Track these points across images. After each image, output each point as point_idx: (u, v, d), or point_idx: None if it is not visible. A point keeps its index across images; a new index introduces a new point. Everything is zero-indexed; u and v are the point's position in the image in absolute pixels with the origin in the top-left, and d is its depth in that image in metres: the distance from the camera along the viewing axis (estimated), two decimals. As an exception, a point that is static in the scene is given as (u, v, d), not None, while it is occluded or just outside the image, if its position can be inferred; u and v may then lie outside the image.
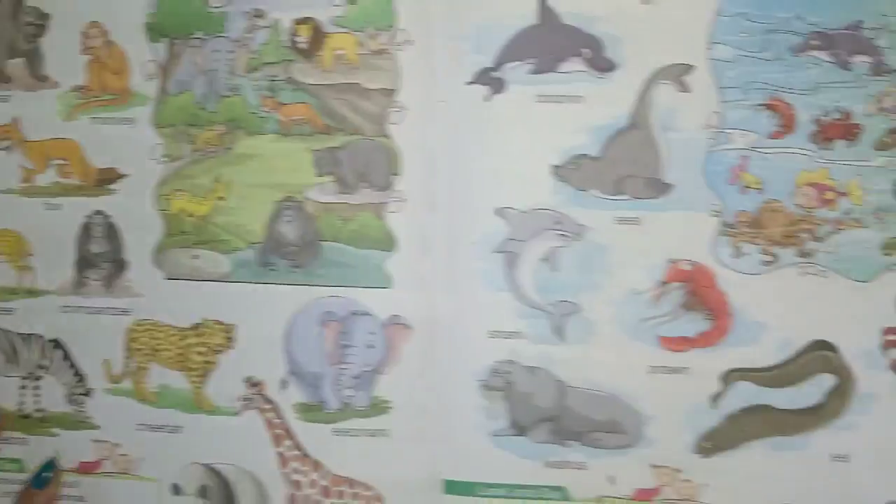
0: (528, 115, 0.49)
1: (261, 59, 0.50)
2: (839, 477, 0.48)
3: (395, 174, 0.50)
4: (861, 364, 0.48)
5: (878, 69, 0.47)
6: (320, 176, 0.50)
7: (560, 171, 0.49)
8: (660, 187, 0.49)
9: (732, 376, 0.48)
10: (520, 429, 0.50)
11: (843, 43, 0.47)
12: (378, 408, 0.51)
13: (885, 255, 0.48)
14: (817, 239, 0.48)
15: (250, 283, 0.51)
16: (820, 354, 0.48)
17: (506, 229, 0.49)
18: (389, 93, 0.49)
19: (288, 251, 0.50)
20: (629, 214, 0.49)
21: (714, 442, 0.49)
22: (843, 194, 0.48)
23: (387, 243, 0.50)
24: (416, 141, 0.50)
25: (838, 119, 0.48)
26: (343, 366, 0.50)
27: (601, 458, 0.50)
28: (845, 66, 0.47)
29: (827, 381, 0.48)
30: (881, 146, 0.48)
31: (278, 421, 0.51)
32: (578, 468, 0.50)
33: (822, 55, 0.47)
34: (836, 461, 0.48)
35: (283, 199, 0.50)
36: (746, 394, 0.49)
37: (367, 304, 0.50)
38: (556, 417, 0.50)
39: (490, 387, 0.50)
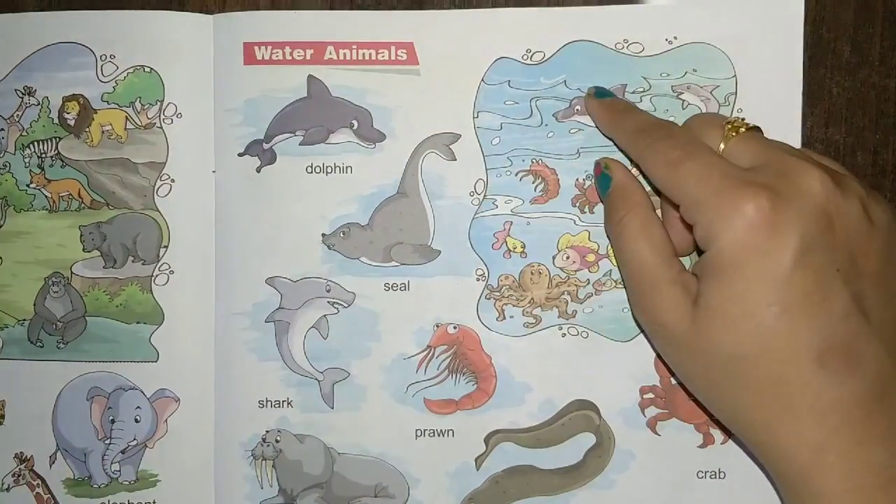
0: (298, 186, 0.50)
1: (30, 136, 0.50)
2: (598, 533, 0.49)
3: (164, 246, 0.50)
4: (620, 422, 0.49)
5: (642, 136, 0.49)
6: (87, 251, 0.50)
7: (329, 240, 0.50)
8: (427, 253, 0.50)
9: (496, 438, 0.49)
10: (288, 497, 0.50)
11: (606, 108, 0.49)
12: (146, 481, 0.50)
13: (642, 314, 0.49)
14: (578, 300, 0.49)
15: (19, 359, 0.50)
16: (581, 414, 0.49)
17: (276, 298, 0.50)
18: (158, 166, 0.50)
19: (55, 327, 0.50)
20: (398, 281, 0.50)
21: (478, 503, 0.49)
22: (604, 256, 0.49)
23: (154, 317, 0.50)
24: (185, 213, 0.50)
25: (601, 185, 0.49)
26: (110, 441, 0.50)
27: (368, 525, 0.50)
28: (607, 131, 0.49)
29: (587, 440, 0.49)
30: (637, 209, 0.49)
31: (47, 496, 0.50)
32: (345, 535, 0.50)
33: (585, 120, 0.49)
34: (596, 518, 0.49)
35: (50, 275, 0.50)
36: (509, 455, 0.49)
37: (134, 378, 0.50)
38: (324, 484, 0.49)
39: (259, 456, 0.50)
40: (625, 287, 0.46)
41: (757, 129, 0.43)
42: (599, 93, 0.48)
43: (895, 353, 0.39)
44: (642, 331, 0.48)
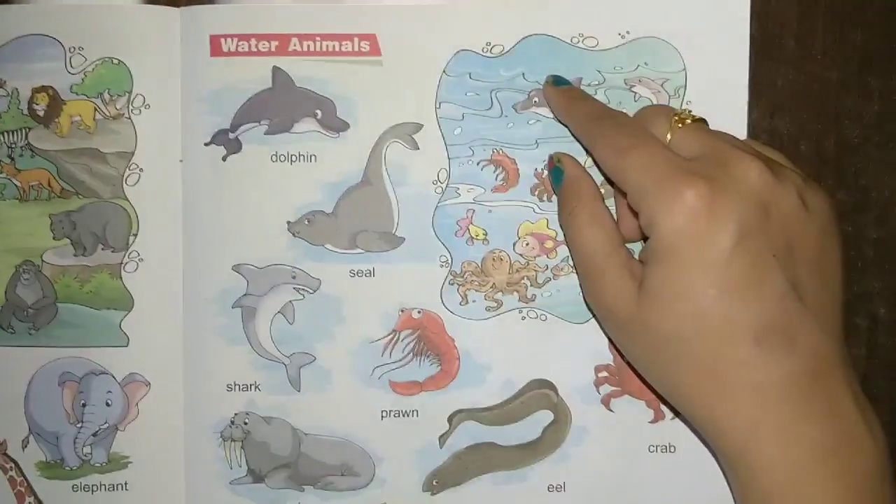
0: (263, 174, 0.51)
1: (0, 126, 0.51)
2: (555, 505, 0.51)
3: (133, 234, 0.51)
4: (576, 400, 0.51)
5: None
6: (57, 240, 0.51)
7: (294, 227, 0.51)
8: (392, 240, 0.51)
9: (459, 417, 0.51)
10: (257, 477, 0.51)
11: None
12: (117, 463, 0.51)
13: (597, 297, 0.51)
14: (537, 285, 0.51)
15: (-10, 346, 0.51)
16: (539, 392, 0.51)
17: (243, 285, 0.51)
18: (127, 156, 0.51)
19: (26, 314, 0.51)
20: (363, 267, 0.51)
21: (441, 479, 0.51)
22: (562, 243, 0.51)
23: (123, 303, 0.51)
24: (153, 201, 0.51)
25: (558, 173, 0.51)
26: (81, 424, 0.51)
27: (334, 501, 0.51)
28: (568, 120, 0.51)
29: (545, 417, 0.51)
30: (592, 197, 0.51)
31: (20, 479, 0.51)
32: (313, 512, 0.51)
33: (543, 111, 0.51)
34: (553, 491, 0.51)
35: (21, 263, 0.51)
36: (472, 433, 0.51)
37: (105, 363, 0.51)
38: (291, 464, 0.51)
39: (228, 437, 0.51)
40: (577, 274, 0.49)
41: (702, 120, 0.46)
42: (557, 81, 0.50)
43: (831, 334, 0.42)
44: (593, 314, 0.50)
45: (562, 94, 0.50)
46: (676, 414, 0.50)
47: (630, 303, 0.43)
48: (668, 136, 0.44)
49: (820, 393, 0.40)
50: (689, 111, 0.46)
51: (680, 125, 0.44)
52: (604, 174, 0.47)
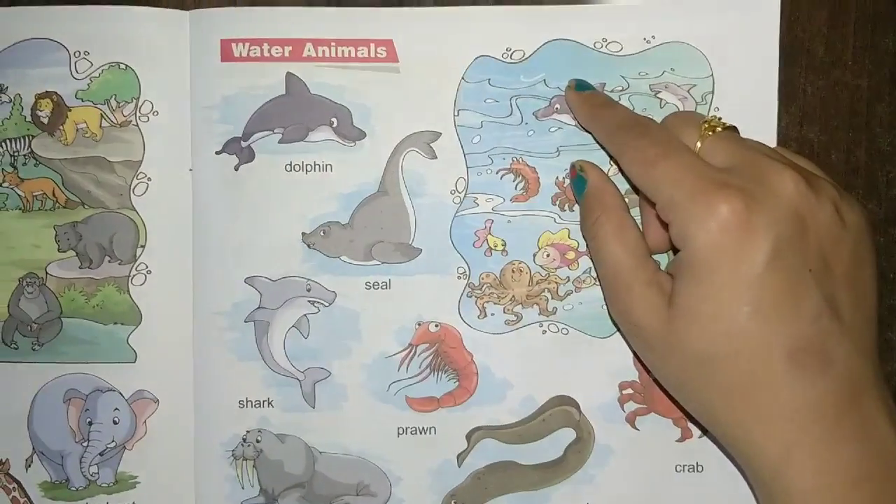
0: (277, 184, 0.50)
1: (2, 134, 0.49)
2: (579, 528, 0.49)
3: (141, 246, 0.49)
4: (599, 417, 0.50)
5: (619, 132, 0.50)
6: (62, 251, 0.49)
7: (309, 239, 0.50)
8: (408, 252, 0.50)
9: (477, 434, 0.49)
10: (269, 497, 0.49)
11: (587, 106, 0.50)
12: (125, 483, 0.49)
13: (620, 311, 0.50)
14: (558, 298, 0.50)
15: (-7, 362, 0.49)
16: (561, 409, 0.49)
17: (256, 298, 0.50)
18: (134, 164, 0.49)
19: (30, 329, 0.49)
20: (379, 279, 0.50)
21: (460, 500, 0.49)
22: (584, 254, 0.50)
23: (131, 317, 0.49)
24: (162, 212, 0.49)
25: (580, 182, 0.50)
26: (88, 443, 0.49)
27: (351, 524, 0.50)
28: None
29: (567, 435, 0.49)
30: (614, 207, 0.50)
31: (24, 500, 0.49)
32: (328, 534, 0.50)
33: (565, 118, 0.50)
34: (576, 513, 0.50)
35: (24, 276, 0.49)
36: (491, 451, 0.50)
37: (112, 379, 0.49)
38: (306, 483, 0.49)
39: (239, 456, 0.49)
40: (601, 287, 0.47)
41: (733, 128, 0.44)
42: (580, 85, 0.49)
43: (866, 354, 0.40)
44: (619, 330, 0.48)
45: (585, 99, 0.48)
46: (704, 432, 0.49)
47: (660, 319, 0.41)
48: (699, 145, 0.43)
49: (855, 415, 0.39)
50: (720, 118, 0.44)
51: (710, 133, 0.43)
52: (631, 184, 0.46)
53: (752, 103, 0.49)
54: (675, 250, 0.42)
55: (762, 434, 0.39)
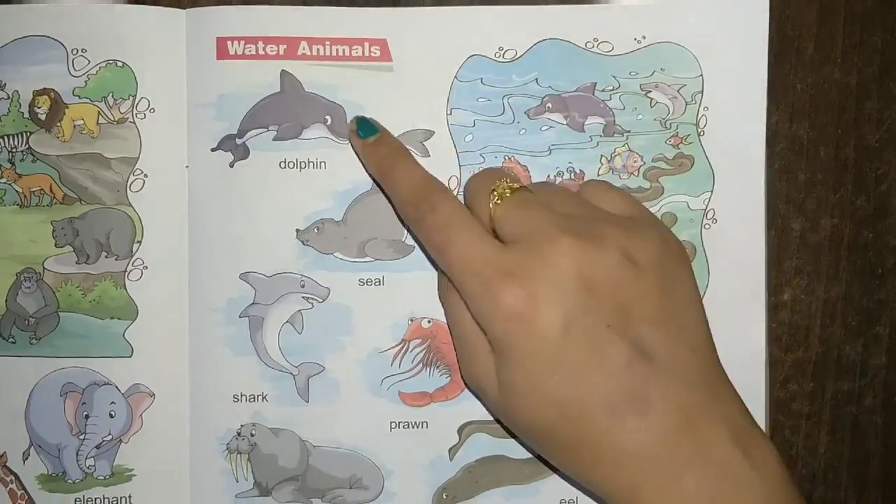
0: (271, 181, 0.50)
1: (0, 130, 0.50)
2: (568, 520, 0.50)
3: (137, 242, 0.50)
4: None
5: (610, 130, 0.50)
6: (59, 247, 0.50)
7: (303, 236, 0.50)
8: (401, 249, 0.50)
9: (469, 429, 0.50)
10: (263, 490, 0.50)
11: (577, 105, 0.50)
12: (121, 476, 0.50)
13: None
14: (549, 294, 0.50)
15: (-9, 355, 0.50)
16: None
17: (251, 294, 0.50)
18: (131, 161, 0.50)
19: (27, 323, 0.50)
20: (372, 276, 0.50)
21: (452, 493, 0.50)
22: (574, 251, 0.50)
23: (127, 312, 0.50)
24: (158, 208, 0.50)
25: (571, 180, 0.50)
26: (84, 436, 0.50)
27: (343, 516, 0.50)
28: (579, 127, 0.50)
29: (558, 429, 0.50)
30: (608, 205, 0.50)
31: (21, 492, 0.50)
32: (321, 527, 0.50)
33: (557, 117, 0.50)
34: (565, 505, 0.50)
35: (22, 271, 0.50)
36: (482, 445, 0.50)
37: (108, 373, 0.50)
38: (299, 477, 0.50)
39: (234, 450, 0.50)
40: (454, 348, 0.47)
41: (523, 189, 0.44)
42: (363, 129, 0.49)
43: (692, 383, 0.41)
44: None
45: (371, 150, 0.48)
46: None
47: (496, 392, 0.43)
48: (491, 216, 0.44)
49: (691, 443, 0.40)
50: (510, 181, 0.45)
51: (499, 201, 0.44)
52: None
53: (741, 101, 0.50)
54: None
55: (607, 481, 0.41)
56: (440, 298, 0.48)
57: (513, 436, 0.49)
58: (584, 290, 0.40)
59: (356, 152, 0.49)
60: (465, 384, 0.47)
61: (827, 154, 0.52)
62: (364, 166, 0.49)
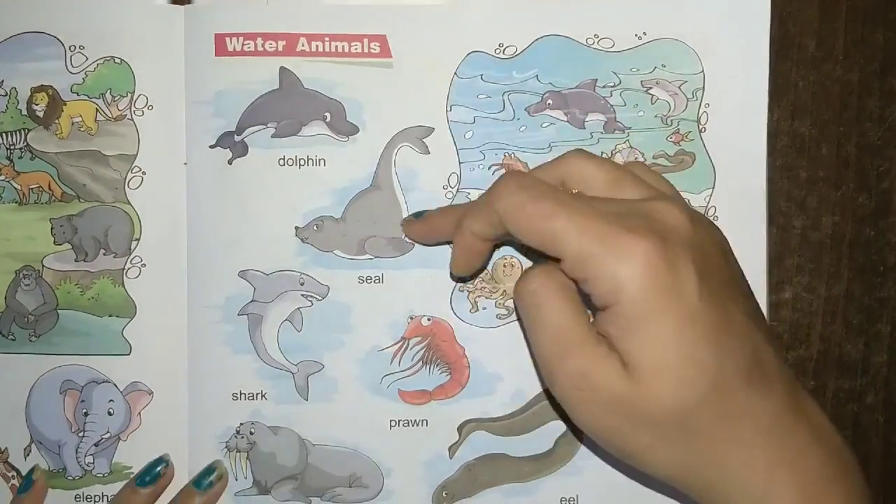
0: (270, 179, 0.50)
1: (-2, 127, 0.50)
2: (568, 519, 0.50)
3: (136, 239, 0.50)
4: (589, 410, 0.50)
5: (611, 126, 0.50)
6: (58, 244, 0.50)
7: (302, 233, 0.50)
8: (401, 246, 0.50)
9: (469, 427, 0.50)
10: (262, 489, 0.50)
11: (577, 102, 0.50)
12: (119, 474, 0.50)
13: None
14: (549, 292, 0.50)
15: (-9, 353, 0.50)
16: (551, 403, 0.50)
17: (249, 291, 0.50)
18: (129, 158, 0.50)
19: (27, 321, 0.50)
20: (372, 273, 0.50)
21: (451, 491, 0.50)
22: (574, 249, 0.50)
23: (126, 310, 0.50)
24: (157, 205, 0.50)
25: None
26: (83, 433, 0.50)
27: (342, 514, 0.50)
28: (580, 124, 0.50)
29: (558, 428, 0.50)
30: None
31: None
32: (320, 525, 0.50)
33: (557, 114, 0.50)
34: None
35: (21, 269, 0.50)
36: (482, 443, 0.50)
37: (107, 371, 0.50)
38: (298, 475, 0.50)
39: (233, 448, 0.50)
40: (539, 355, 0.40)
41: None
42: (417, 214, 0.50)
43: (782, 355, 0.40)
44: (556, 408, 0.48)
45: (431, 216, 0.49)
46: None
47: (619, 379, 0.37)
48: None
49: (805, 421, 0.39)
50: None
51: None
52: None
53: (742, 99, 0.50)
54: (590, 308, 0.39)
55: (743, 465, 0.38)
56: (521, 300, 0.40)
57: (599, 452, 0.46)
58: (698, 252, 0.38)
59: (421, 236, 0.50)
60: (555, 393, 0.40)
61: (828, 151, 0.51)
62: (432, 234, 0.49)
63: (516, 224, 0.39)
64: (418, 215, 0.49)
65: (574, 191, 0.41)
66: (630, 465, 0.40)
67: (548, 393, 0.50)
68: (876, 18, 0.51)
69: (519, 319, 0.49)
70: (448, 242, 0.48)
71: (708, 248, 0.39)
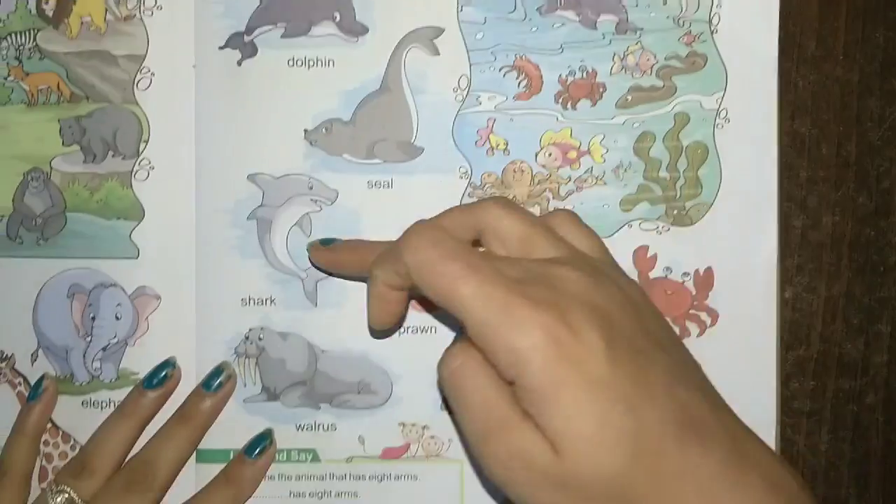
0: (279, 80, 0.49)
1: (7, 27, 0.49)
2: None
3: (144, 141, 0.49)
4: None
5: (623, 27, 0.49)
6: (67, 146, 0.49)
7: (312, 136, 0.49)
8: (410, 150, 0.50)
9: (479, 333, 0.49)
10: (271, 394, 0.49)
11: (590, 1, 0.49)
12: (126, 379, 0.49)
13: (624, 211, 0.49)
14: (559, 197, 0.49)
15: (-2, 256, 0.50)
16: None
17: (258, 196, 0.50)
18: (138, 59, 0.49)
19: (34, 223, 0.49)
20: (381, 178, 0.50)
21: (461, 397, 0.49)
22: (586, 153, 0.49)
23: (133, 212, 0.49)
24: (165, 107, 0.49)
25: (583, 79, 0.49)
26: (91, 338, 0.49)
27: (351, 419, 0.49)
28: (592, 25, 0.49)
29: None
30: (623, 104, 0.49)
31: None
32: (329, 430, 0.49)
33: (569, 14, 0.49)
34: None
35: (29, 171, 0.49)
36: (492, 349, 0.49)
37: (114, 275, 0.49)
38: (308, 381, 0.49)
39: (242, 354, 0.49)
40: (467, 437, 0.38)
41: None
42: (324, 242, 0.49)
43: (718, 403, 0.38)
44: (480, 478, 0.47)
45: (336, 248, 0.48)
46: None
47: (546, 455, 0.35)
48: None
49: (755, 473, 0.36)
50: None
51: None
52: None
53: (753, 99, 0.49)
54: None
55: None
56: (444, 381, 0.39)
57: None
58: (597, 312, 0.36)
59: (324, 263, 0.48)
60: (488, 475, 0.38)
61: (829, 151, 0.51)
62: (335, 265, 0.48)
63: (423, 282, 0.38)
64: (326, 243, 0.48)
65: (482, 248, 0.40)
66: None
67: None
68: (876, 18, 0.50)
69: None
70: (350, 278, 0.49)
71: (616, 310, 0.37)
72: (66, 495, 0.46)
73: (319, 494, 0.49)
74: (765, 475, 0.36)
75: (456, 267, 0.36)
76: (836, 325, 0.51)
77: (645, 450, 0.35)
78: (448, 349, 0.39)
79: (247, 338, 0.49)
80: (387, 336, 0.49)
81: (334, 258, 0.48)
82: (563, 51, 0.49)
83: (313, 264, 0.49)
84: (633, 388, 0.35)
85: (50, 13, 0.49)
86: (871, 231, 0.51)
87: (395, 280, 0.40)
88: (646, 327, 0.38)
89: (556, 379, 0.35)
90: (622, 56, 0.49)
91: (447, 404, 0.48)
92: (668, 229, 0.49)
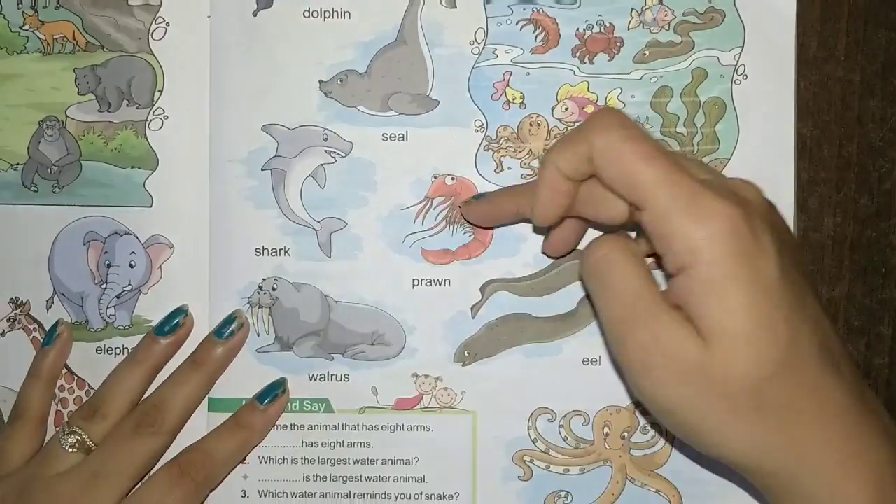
0: (295, 30, 0.49)
1: (22, -24, 0.49)
2: (590, 378, 0.49)
3: (159, 91, 0.49)
4: (615, 272, 0.49)
5: (640, -19, 0.49)
6: (82, 94, 0.49)
7: (327, 87, 0.49)
8: (426, 103, 0.49)
9: (492, 286, 0.49)
10: (284, 345, 0.50)
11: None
12: (140, 327, 0.50)
13: (639, 167, 0.49)
14: (576, 153, 0.49)
15: (13, 204, 0.50)
16: (574, 263, 0.49)
17: (273, 146, 0.49)
18: (153, 8, 0.49)
19: (50, 172, 0.50)
20: (396, 131, 0.49)
21: (473, 350, 0.49)
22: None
23: (148, 161, 0.49)
24: (180, 57, 0.49)
25: (601, 33, 0.49)
26: (106, 285, 0.50)
27: (364, 370, 0.50)
28: (610, -21, 0.49)
29: (580, 289, 0.49)
30: (640, 59, 0.49)
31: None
32: (342, 380, 0.50)
33: (586, -33, 0.49)
34: (588, 365, 0.49)
35: (44, 119, 0.49)
36: (505, 303, 0.50)
37: (129, 223, 0.50)
38: (321, 332, 0.50)
39: (255, 304, 0.50)
40: (609, 324, 0.39)
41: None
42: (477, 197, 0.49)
43: (847, 349, 0.40)
44: (621, 375, 0.47)
45: (496, 198, 0.48)
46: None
47: (694, 346, 0.36)
48: None
49: (874, 417, 0.37)
50: None
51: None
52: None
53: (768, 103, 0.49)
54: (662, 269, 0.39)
55: (817, 448, 0.36)
56: (587, 271, 0.40)
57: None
58: (774, 230, 0.37)
59: (481, 215, 0.48)
60: (622, 362, 0.38)
61: (830, 152, 0.50)
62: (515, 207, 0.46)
63: (609, 162, 0.37)
64: (479, 197, 0.48)
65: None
66: (697, 448, 0.38)
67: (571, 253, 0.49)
68: (878, 19, 0.50)
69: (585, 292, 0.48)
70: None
71: (787, 235, 0.39)
72: (78, 437, 0.46)
73: (332, 444, 0.50)
74: (883, 424, 0.38)
75: (646, 147, 0.37)
76: (838, 326, 0.50)
77: (791, 361, 0.36)
78: (592, 241, 0.40)
79: (260, 288, 0.50)
80: (562, 256, 0.48)
81: (490, 210, 0.47)
82: (580, 5, 0.49)
83: (469, 221, 0.49)
84: (792, 303, 0.36)
85: (65, -39, 0.49)
86: (872, 232, 0.50)
87: (571, 166, 0.39)
88: (803, 261, 0.39)
89: (729, 272, 0.35)
90: (640, 11, 0.49)
91: (587, 295, 0.48)
92: (684, 185, 0.49)
